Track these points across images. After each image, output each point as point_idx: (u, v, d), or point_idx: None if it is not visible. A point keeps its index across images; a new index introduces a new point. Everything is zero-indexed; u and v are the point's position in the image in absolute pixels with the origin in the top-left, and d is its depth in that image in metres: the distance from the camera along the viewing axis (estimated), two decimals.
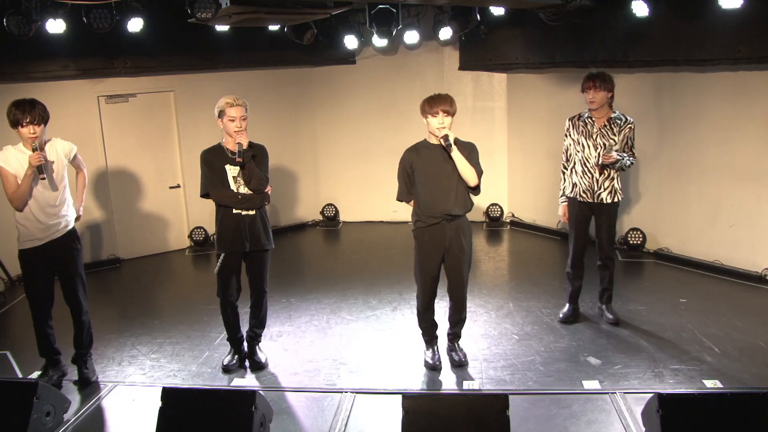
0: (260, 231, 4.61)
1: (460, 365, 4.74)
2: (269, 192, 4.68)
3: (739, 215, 6.34)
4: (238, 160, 4.40)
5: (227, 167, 4.52)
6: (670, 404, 3.34)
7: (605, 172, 5.05)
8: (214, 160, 4.54)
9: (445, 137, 4.30)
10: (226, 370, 4.85)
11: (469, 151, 4.41)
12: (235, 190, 4.54)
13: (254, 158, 4.52)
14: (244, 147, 4.42)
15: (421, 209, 4.49)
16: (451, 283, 4.62)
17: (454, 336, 4.83)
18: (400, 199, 4.63)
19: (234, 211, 4.54)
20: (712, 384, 4.37)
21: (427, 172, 4.40)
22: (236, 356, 4.93)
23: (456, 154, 4.30)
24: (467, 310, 4.78)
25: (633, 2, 5.53)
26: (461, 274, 4.56)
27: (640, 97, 6.72)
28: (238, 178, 4.53)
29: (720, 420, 3.31)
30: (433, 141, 4.44)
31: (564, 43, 6.92)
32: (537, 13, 6.35)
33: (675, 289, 6.14)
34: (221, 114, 4.47)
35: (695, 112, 6.52)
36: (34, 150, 4.27)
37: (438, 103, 4.34)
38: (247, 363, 4.91)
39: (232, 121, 4.43)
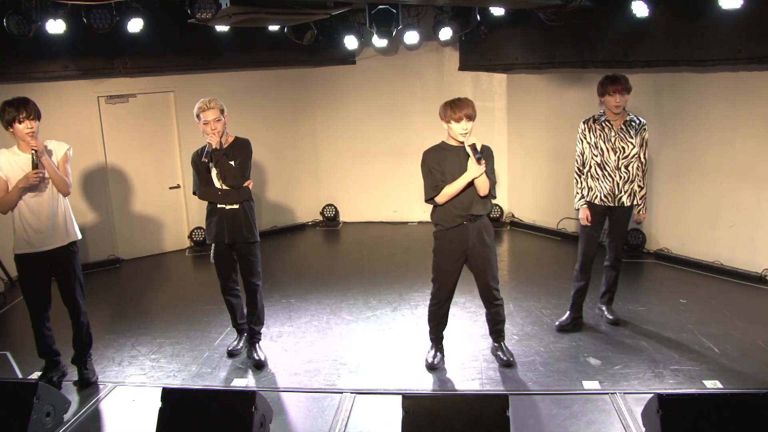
0: (241, 224, 4.76)
1: (508, 365, 4.72)
2: (250, 186, 4.81)
3: (739, 215, 6.34)
4: (203, 160, 4.64)
5: (211, 166, 4.73)
6: (670, 404, 3.34)
7: (627, 175, 5.01)
8: (199, 160, 4.75)
9: (473, 147, 4.28)
10: (230, 354, 5.06)
11: (488, 156, 4.40)
12: (220, 187, 4.74)
13: (227, 155, 4.67)
14: (214, 146, 4.62)
15: (444, 210, 4.47)
16: (479, 281, 4.61)
17: (497, 335, 4.81)
18: (432, 195, 4.42)
19: (218, 205, 4.76)
20: (712, 384, 4.37)
21: (452, 174, 4.37)
22: (241, 341, 5.12)
23: (477, 169, 4.27)
24: (504, 307, 4.76)
25: (633, 2, 5.53)
26: (491, 270, 4.55)
27: (640, 97, 6.69)
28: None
29: (720, 420, 3.31)
30: (453, 143, 4.42)
31: (564, 43, 6.92)
32: (537, 13, 6.35)
33: (675, 289, 6.14)
34: (198, 117, 4.66)
35: (695, 112, 6.52)
36: (34, 167, 4.23)
37: (462, 108, 4.28)
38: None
39: (207, 124, 4.63)
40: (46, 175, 4.33)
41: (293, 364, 4.93)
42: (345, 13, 6.82)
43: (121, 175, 7.62)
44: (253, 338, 4.98)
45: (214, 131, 4.60)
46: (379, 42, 7.83)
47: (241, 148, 4.75)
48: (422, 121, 8.33)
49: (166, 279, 7.42)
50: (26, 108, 4.22)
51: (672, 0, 5.75)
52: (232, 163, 4.68)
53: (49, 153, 4.39)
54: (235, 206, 4.73)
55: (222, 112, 4.64)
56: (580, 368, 4.66)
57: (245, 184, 4.75)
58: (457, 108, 4.29)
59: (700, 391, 4.21)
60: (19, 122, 4.22)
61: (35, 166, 4.24)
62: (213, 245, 4.85)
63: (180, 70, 7.56)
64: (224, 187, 4.72)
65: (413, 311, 5.83)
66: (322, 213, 9.05)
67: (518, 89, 8.26)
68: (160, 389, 3.66)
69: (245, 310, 5.03)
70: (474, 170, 4.29)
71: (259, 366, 4.86)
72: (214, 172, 4.71)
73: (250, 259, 4.83)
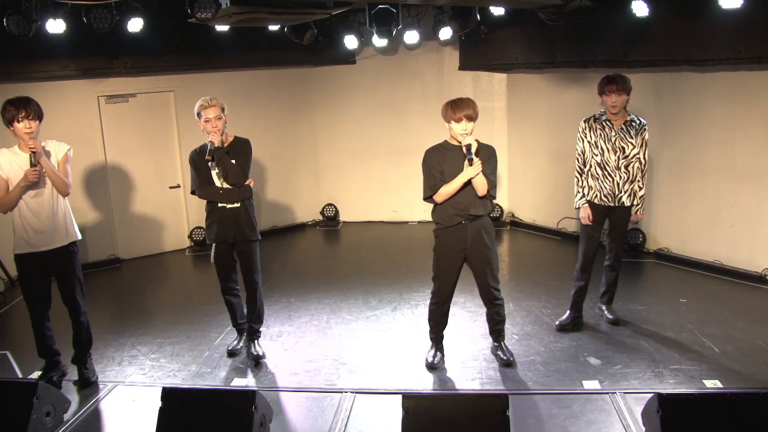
0: (243, 223, 4.77)
1: (508, 364, 4.72)
2: (251, 184, 4.82)
3: (739, 215, 6.34)
4: (207, 158, 4.61)
5: (210, 165, 4.71)
6: (670, 404, 3.34)
7: (627, 175, 5.01)
8: (198, 159, 4.74)
9: (468, 148, 4.28)
10: (230, 354, 5.06)
11: (488, 157, 4.40)
12: (219, 186, 4.73)
13: (228, 154, 4.68)
14: (216, 145, 4.62)
15: (444, 209, 4.47)
16: (479, 280, 4.61)
17: (497, 335, 4.82)
18: (430, 193, 4.43)
19: (219, 204, 4.74)
20: (712, 384, 4.37)
21: (452, 174, 4.37)
22: (241, 341, 5.13)
23: (472, 170, 4.27)
24: (505, 307, 4.76)
25: (633, 2, 5.53)
26: (490, 269, 4.54)
27: (640, 97, 6.68)
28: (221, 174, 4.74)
29: (720, 420, 3.31)
30: (455, 143, 4.42)
31: (564, 43, 6.92)
32: (537, 13, 6.35)
33: (675, 289, 6.14)
34: (199, 115, 4.67)
35: (695, 112, 6.52)
36: (32, 165, 4.23)
37: (462, 109, 4.29)
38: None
39: (208, 121, 4.64)
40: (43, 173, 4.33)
41: (293, 364, 4.93)
42: (345, 12, 6.82)
43: (121, 175, 7.62)
44: (253, 336, 5.01)
45: (215, 129, 4.62)
46: (379, 42, 7.83)
47: (241, 148, 4.77)
48: (422, 121, 8.33)
49: (166, 279, 7.42)
50: (26, 107, 4.23)
51: (672, 0, 5.75)
52: (233, 161, 4.69)
53: (47, 154, 4.39)
54: (236, 205, 4.74)
55: (222, 110, 4.66)
56: (580, 368, 4.66)
57: (247, 182, 4.77)
58: (457, 108, 4.29)
59: (700, 391, 4.21)
60: (18, 121, 4.23)
61: (33, 164, 4.24)
62: (214, 245, 4.84)
63: (180, 70, 7.56)
64: (225, 185, 4.72)
65: (413, 311, 5.83)
66: (322, 213, 9.05)
67: (518, 89, 8.26)
68: (160, 389, 3.66)
69: (245, 309, 5.04)
70: (468, 171, 4.29)
71: (258, 360, 4.89)
72: (214, 171, 4.72)
73: (251, 257, 4.85)
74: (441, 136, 4.57)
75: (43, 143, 4.41)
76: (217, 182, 4.74)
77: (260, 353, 4.94)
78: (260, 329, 5.05)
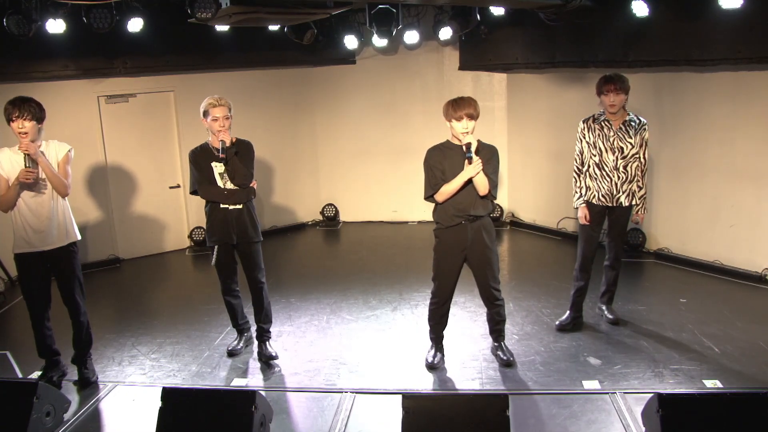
0: (247, 224, 4.76)
1: (508, 364, 4.72)
2: (254, 186, 4.82)
3: (739, 215, 6.34)
4: (221, 156, 4.58)
5: (213, 165, 4.69)
6: (670, 404, 3.35)
7: (626, 175, 5.01)
8: (200, 158, 4.72)
9: (468, 146, 4.27)
10: (230, 354, 5.07)
11: (490, 156, 4.40)
12: (222, 186, 4.70)
13: (237, 154, 4.66)
14: (227, 144, 4.60)
15: (444, 209, 4.47)
16: (479, 280, 4.61)
17: (497, 335, 4.82)
18: (431, 192, 4.43)
19: (221, 205, 4.71)
20: (712, 384, 4.38)
21: (453, 173, 4.36)
22: (241, 341, 5.14)
23: (472, 168, 4.26)
24: (505, 307, 4.74)
25: (633, 2, 5.53)
26: (491, 270, 4.54)
27: (640, 97, 6.71)
28: (224, 175, 4.70)
29: (720, 420, 3.31)
30: (456, 142, 4.41)
31: (564, 43, 6.92)
32: (537, 13, 6.35)
33: (675, 289, 6.14)
34: (206, 114, 4.64)
35: (695, 112, 6.52)
36: (26, 167, 4.23)
37: (462, 107, 4.28)
38: (257, 356, 5.03)
39: (216, 120, 4.61)
40: (42, 175, 4.34)
41: (293, 364, 4.93)
42: (345, 12, 6.83)
43: (121, 175, 7.62)
44: (263, 336, 5.00)
45: (224, 129, 4.59)
46: (379, 42, 7.83)
47: (246, 149, 4.75)
48: (422, 121, 8.33)
49: (166, 279, 7.42)
50: (20, 108, 4.23)
51: (672, 0, 5.75)
52: (240, 163, 4.67)
53: (44, 155, 4.38)
54: (239, 206, 4.72)
55: (229, 110, 4.65)
56: (580, 368, 4.66)
57: (251, 184, 4.77)
58: (458, 107, 4.29)
59: (700, 391, 4.21)
60: (12, 121, 4.24)
61: (27, 166, 4.24)
62: (215, 248, 4.80)
63: (180, 70, 7.56)
64: (228, 186, 4.70)
65: (413, 311, 5.83)
66: (322, 213, 9.05)
67: (518, 89, 8.26)
68: (160, 389, 3.66)
69: (253, 310, 4.99)
70: (468, 170, 4.29)
71: (272, 359, 4.90)
72: (217, 172, 4.69)
73: (254, 258, 4.85)
74: (441, 136, 4.57)
75: (45, 143, 4.41)
76: (220, 182, 4.71)
77: (273, 354, 4.94)
78: (270, 329, 5.03)
